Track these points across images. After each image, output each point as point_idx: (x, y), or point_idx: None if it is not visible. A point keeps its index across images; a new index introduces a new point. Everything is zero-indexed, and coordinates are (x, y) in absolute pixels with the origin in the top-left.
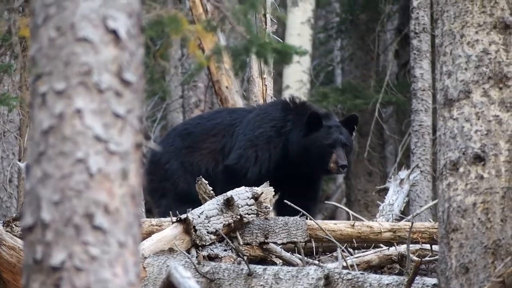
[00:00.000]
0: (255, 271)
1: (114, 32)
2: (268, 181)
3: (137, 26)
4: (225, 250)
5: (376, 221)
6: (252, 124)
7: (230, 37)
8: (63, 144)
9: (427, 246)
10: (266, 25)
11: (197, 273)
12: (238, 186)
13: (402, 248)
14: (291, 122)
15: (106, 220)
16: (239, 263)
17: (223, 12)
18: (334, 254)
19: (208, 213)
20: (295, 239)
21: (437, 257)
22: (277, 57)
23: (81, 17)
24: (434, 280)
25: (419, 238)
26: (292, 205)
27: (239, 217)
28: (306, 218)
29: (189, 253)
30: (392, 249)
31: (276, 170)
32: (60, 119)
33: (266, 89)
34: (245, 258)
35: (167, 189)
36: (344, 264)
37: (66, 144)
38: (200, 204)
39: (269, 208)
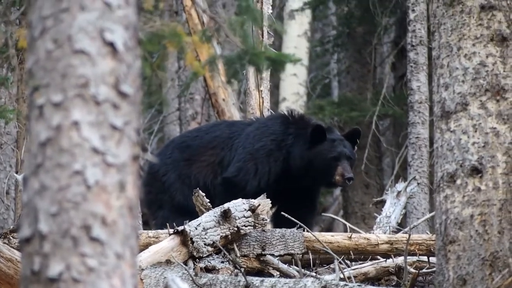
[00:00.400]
0: (252, 283)
1: (111, 45)
2: (265, 193)
3: (134, 39)
4: (222, 262)
5: (373, 233)
6: (251, 138)
7: (226, 49)
8: (61, 156)
9: (425, 258)
10: (262, 37)
11: (194, 285)
12: (237, 199)
13: (400, 260)
14: (293, 136)
15: (103, 232)
16: (236, 275)
17: (218, 22)
18: (332, 266)
19: (205, 225)
20: (292, 251)
21: (434, 269)
22: (271, 65)
23: (78, 29)
24: None
25: (416, 250)
26: (289, 217)
27: (236, 229)
28: (303, 230)
29: (186, 265)
30: (390, 261)
31: (276, 183)
32: (57, 131)
33: (263, 102)
34: (242, 270)
35: (164, 201)
36: (342, 276)
37: (64, 156)
38: (197, 216)
39: (266, 220)
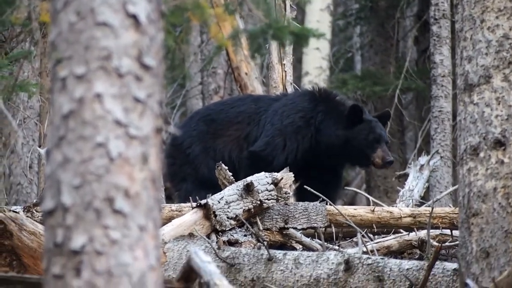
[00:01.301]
0: (275, 256)
1: (134, 17)
2: (288, 167)
3: (157, 11)
4: (245, 235)
5: (396, 206)
6: (280, 114)
7: (249, 23)
8: (83, 128)
9: (447, 231)
10: (285, 11)
11: (217, 258)
12: None
13: (422, 233)
14: (322, 113)
15: (126, 204)
16: (259, 248)
17: None
18: (354, 239)
19: (228, 199)
20: (315, 225)
21: (457, 242)
22: (294, 40)
23: (101, 1)
24: (454, 265)
25: (439, 223)
26: (313, 190)
27: (259, 202)
28: (326, 204)
29: (209, 238)
30: (412, 234)
31: (302, 160)
32: (80, 103)
33: (285, 76)
34: (265, 243)
35: (187, 173)
36: (364, 249)
37: (86, 128)
38: (220, 190)
39: (289, 193)
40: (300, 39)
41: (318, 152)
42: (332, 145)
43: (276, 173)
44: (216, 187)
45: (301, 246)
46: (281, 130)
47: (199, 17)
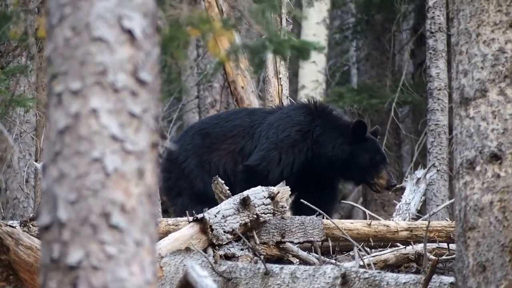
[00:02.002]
0: (272, 270)
1: (129, 32)
2: (284, 181)
3: (153, 26)
4: (242, 249)
5: (393, 220)
6: (275, 128)
7: (245, 38)
8: (79, 143)
9: (444, 245)
10: (281, 25)
11: (214, 272)
12: None
13: (419, 247)
14: (320, 127)
15: (122, 219)
16: (256, 262)
17: (240, 11)
18: (351, 253)
19: (225, 213)
20: (312, 238)
21: (454, 255)
22: (295, 54)
23: (97, 16)
24: (451, 279)
25: (436, 237)
26: (309, 204)
27: (255, 216)
28: (323, 217)
29: (206, 253)
30: (409, 248)
31: (298, 173)
32: (76, 118)
33: (281, 89)
34: (262, 257)
35: (183, 188)
36: (361, 263)
37: (82, 143)
38: (217, 204)
39: (285, 207)
40: (301, 52)
41: (316, 165)
42: (335, 158)
43: (272, 187)
44: (211, 201)
45: (298, 260)
46: (276, 144)
47: (204, 30)
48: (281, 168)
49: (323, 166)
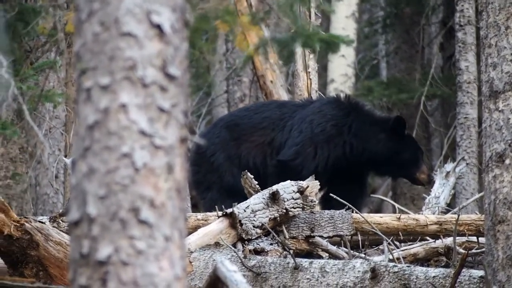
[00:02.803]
0: (301, 264)
1: (158, 27)
2: (313, 175)
3: (181, 21)
4: (271, 244)
5: (422, 214)
6: (308, 122)
7: (273, 32)
8: (108, 139)
9: (474, 239)
10: (310, 19)
11: (243, 267)
12: None
13: (449, 240)
14: (357, 122)
15: (151, 214)
16: (285, 257)
17: (268, 4)
18: (380, 247)
19: (254, 207)
20: (341, 232)
21: (483, 249)
22: (324, 47)
23: (125, 11)
24: (480, 272)
25: (465, 230)
26: (338, 198)
27: (284, 211)
28: (352, 211)
29: (235, 247)
30: (439, 241)
31: (332, 168)
32: (105, 114)
33: (310, 83)
34: (291, 251)
35: (212, 181)
36: (391, 257)
37: (111, 138)
38: (246, 197)
39: (314, 201)
40: (330, 45)
41: (354, 160)
42: (379, 154)
43: (302, 182)
44: (241, 195)
45: (327, 255)
46: (311, 139)
47: (229, 24)
48: (316, 163)
49: (362, 161)
